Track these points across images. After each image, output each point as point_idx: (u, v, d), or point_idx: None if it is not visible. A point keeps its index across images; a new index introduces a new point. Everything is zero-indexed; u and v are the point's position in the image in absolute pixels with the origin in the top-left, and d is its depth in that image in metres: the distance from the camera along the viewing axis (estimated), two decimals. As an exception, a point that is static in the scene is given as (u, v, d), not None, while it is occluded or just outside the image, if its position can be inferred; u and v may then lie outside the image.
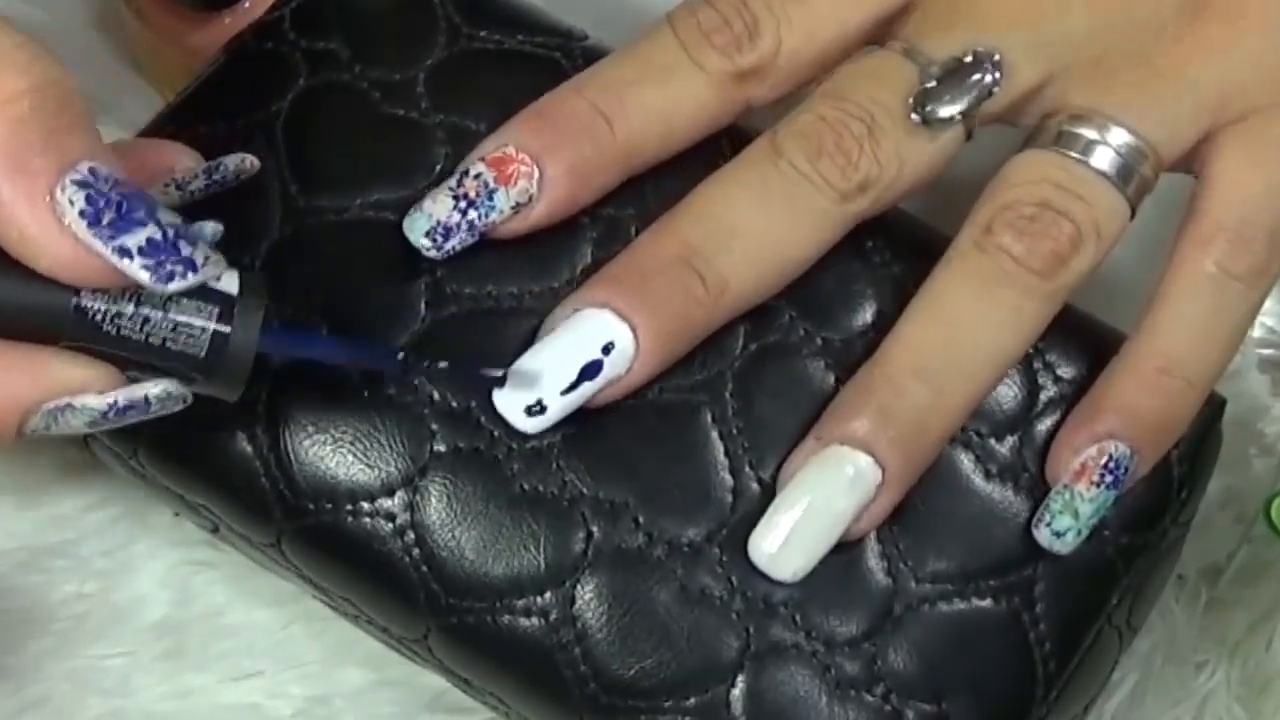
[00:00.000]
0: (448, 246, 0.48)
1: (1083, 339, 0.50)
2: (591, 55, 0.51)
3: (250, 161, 0.47)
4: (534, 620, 0.47)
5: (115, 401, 0.42)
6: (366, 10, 0.51)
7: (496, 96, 0.50)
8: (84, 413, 0.42)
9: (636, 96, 0.48)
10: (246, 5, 0.59)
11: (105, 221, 0.40)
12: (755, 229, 0.47)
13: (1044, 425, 0.49)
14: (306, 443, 0.48)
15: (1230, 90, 0.49)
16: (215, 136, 0.49)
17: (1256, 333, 0.61)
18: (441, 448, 0.48)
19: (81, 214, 0.40)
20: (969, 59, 0.48)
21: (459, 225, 0.47)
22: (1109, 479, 0.47)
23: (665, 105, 0.49)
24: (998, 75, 0.48)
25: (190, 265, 0.41)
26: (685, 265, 0.47)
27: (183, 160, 0.45)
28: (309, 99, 0.50)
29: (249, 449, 0.48)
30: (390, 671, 0.56)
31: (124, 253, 0.40)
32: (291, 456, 0.48)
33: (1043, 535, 0.48)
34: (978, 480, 0.49)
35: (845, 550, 0.48)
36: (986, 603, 0.48)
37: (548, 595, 0.47)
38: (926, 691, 0.47)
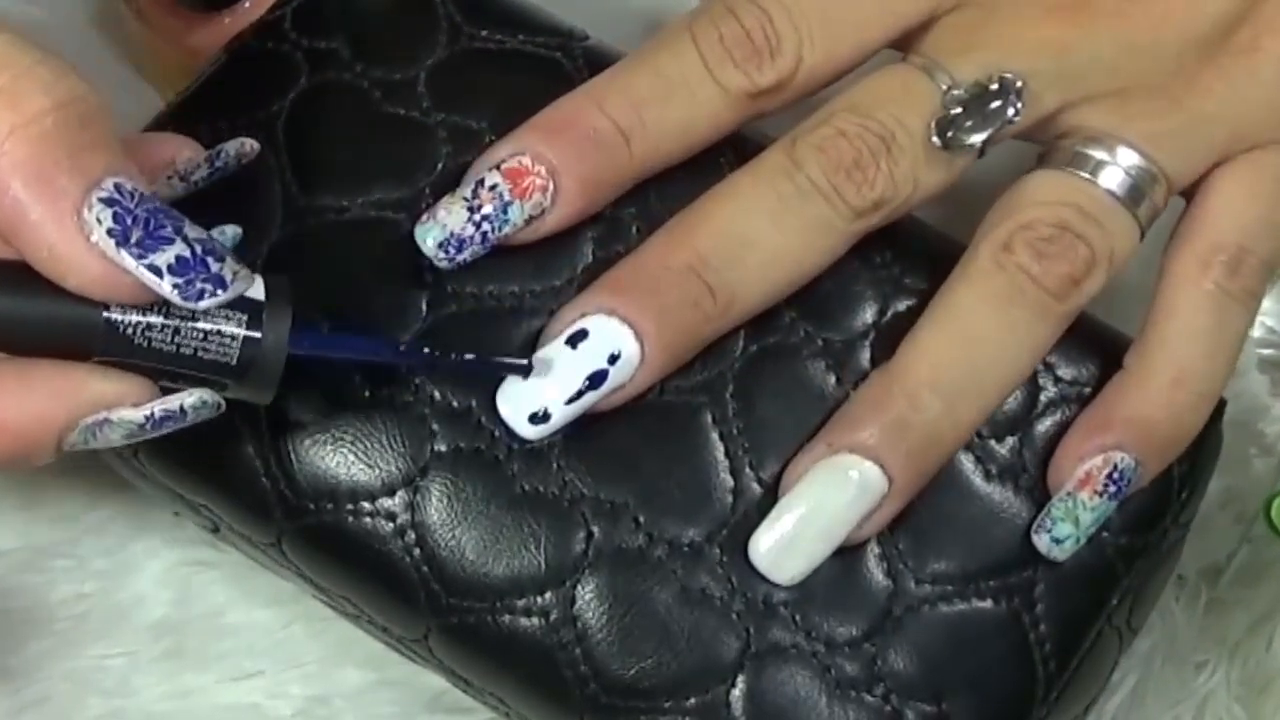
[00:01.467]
0: (460, 258, 0.48)
1: (1083, 341, 0.50)
2: (593, 55, 0.51)
3: (250, 145, 0.47)
4: (534, 620, 0.47)
5: (152, 413, 0.42)
6: (368, 10, 0.51)
7: (498, 96, 0.50)
8: (121, 426, 0.42)
9: (657, 115, 0.48)
10: (247, 5, 0.58)
11: (133, 240, 0.40)
12: (768, 242, 0.47)
13: (1044, 426, 0.49)
14: (307, 442, 0.48)
15: (1243, 125, 0.49)
16: (216, 136, 0.49)
17: (1257, 332, 0.61)
18: (442, 448, 0.48)
19: (110, 232, 0.40)
20: (994, 86, 0.48)
21: (472, 238, 0.47)
22: (1112, 489, 0.48)
23: (684, 123, 0.48)
24: (1020, 105, 0.48)
25: (219, 282, 0.41)
26: (695, 276, 0.47)
27: (184, 151, 0.45)
28: (310, 98, 0.50)
29: (249, 449, 0.48)
30: (390, 671, 0.56)
31: (154, 271, 0.40)
32: (292, 456, 0.48)
33: (1042, 541, 0.48)
34: (978, 481, 0.49)
35: (845, 551, 0.48)
36: (987, 603, 0.48)
37: (548, 595, 0.47)
38: (927, 692, 0.47)
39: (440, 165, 0.50)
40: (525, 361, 0.47)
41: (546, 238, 0.48)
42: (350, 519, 0.48)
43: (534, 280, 0.49)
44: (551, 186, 0.47)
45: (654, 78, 0.48)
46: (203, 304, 0.41)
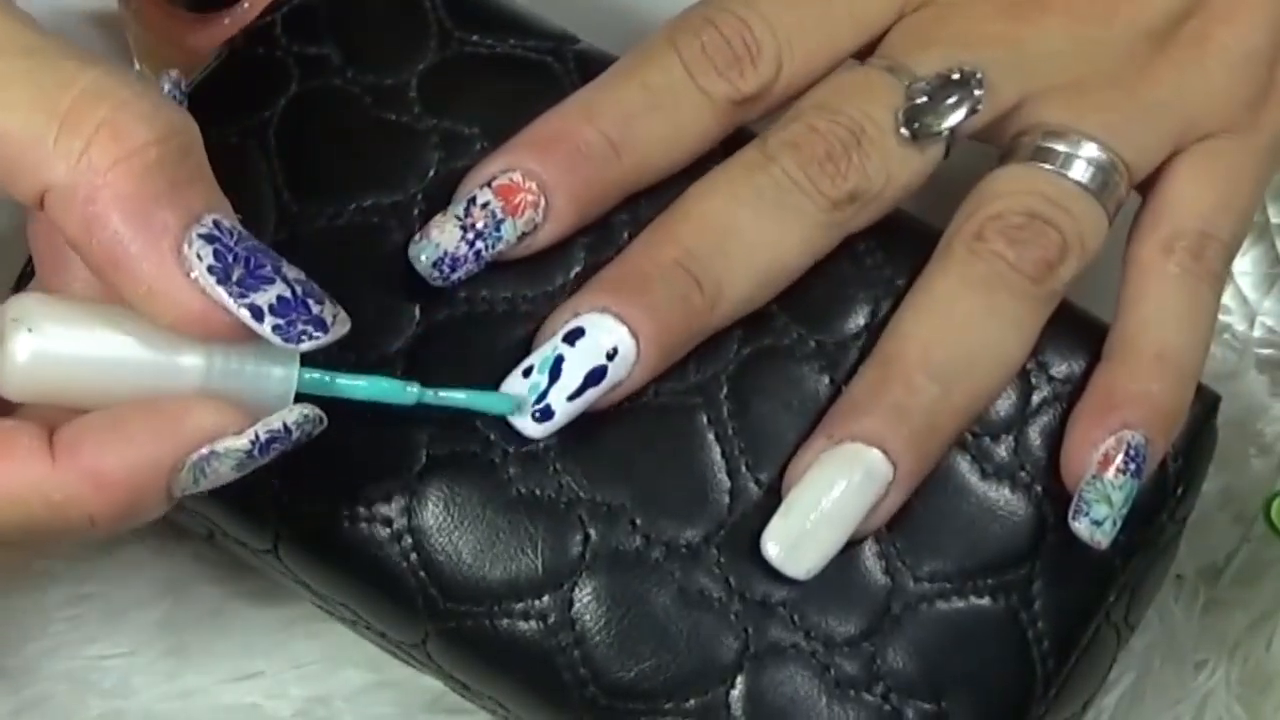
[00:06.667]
0: (454, 277, 0.48)
1: (1075, 337, 0.50)
2: (584, 59, 0.51)
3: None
4: (532, 623, 0.47)
5: (257, 437, 0.41)
6: (358, 15, 0.51)
7: (489, 101, 0.50)
8: (229, 457, 0.41)
9: (645, 127, 0.48)
10: (245, 6, 0.58)
11: (234, 278, 0.39)
12: (749, 233, 0.48)
13: (1039, 424, 0.49)
14: (302, 449, 0.47)
15: (1195, 113, 0.50)
16: (208, 143, 0.49)
17: (1256, 333, 0.61)
18: (437, 452, 0.48)
19: (210, 270, 0.39)
20: (955, 76, 0.49)
21: (465, 256, 0.47)
22: (1132, 467, 0.48)
23: (672, 133, 0.49)
24: (982, 93, 0.49)
25: (320, 325, 0.40)
26: (682, 270, 0.47)
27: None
28: (301, 104, 0.50)
29: None
30: (390, 672, 0.56)
31: (255, 311, 0.40)
32: (288, 462, 0.47)
33: (1083, 527, 0.47)
34: (974, 479, 0.49)
35: (843, 550, 0.47)
36: (984, 601, 0.48)
37: (546, 598, 0.47)
38: (926, 690, 0.47)
39: (432, 171, 0.49)
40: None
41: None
42: (346, 524, 0.48)
43: (527, 285, 0.49)
44: (543, 202, 0.47)
45: (641, 89, 0.48)
46: (304, 346, 0.40)
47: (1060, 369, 0.49)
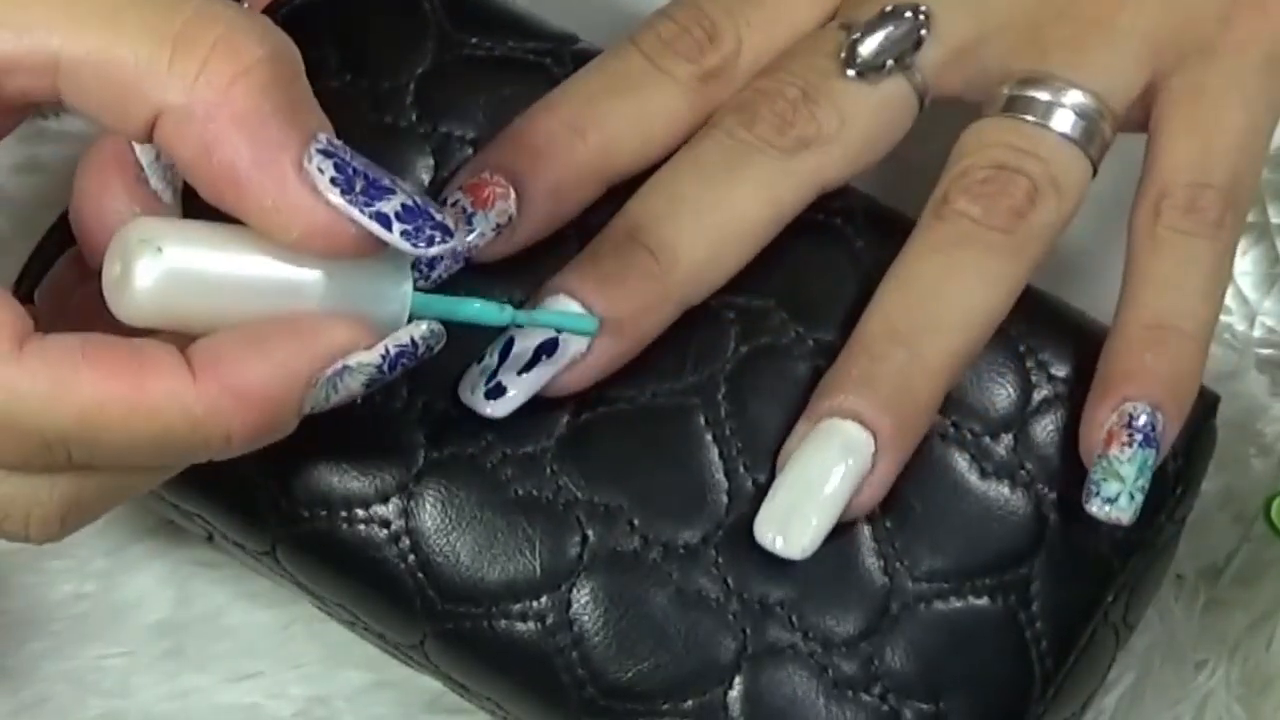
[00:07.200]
0: (434, 275, 0.48)
1: (1076, 338, 0.50)
2: (582, 59, 0.51)
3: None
4: (530, 625, 0.47)
5: (387, 351, 0.41)
6: (358, 16, 0.51)
7: (486, 105, 0.50)
8: (361, 371, 0.41)
9: (607, 107, 0.49)
10: (245, 6, 0.58)
11: (358, 189, 0.39)
12: (699, 196, 0.48)
13: (1039, 424, 0.49)
14: (300, 451, 0.47)
15: (1163, 34, 0.50)
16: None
17: (1256, 333, 0.61)
18: (435, 454, 0.48)
19: (333, 182, 0.39)
20: (889, 9, 0.50)
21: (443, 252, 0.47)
22: (1139, 437, 0.47)
23: (637, 113, 0.49)
24: (923, 19, 0.49)
25: (445, 229, 0.40)
26: (631, 240, 0.47)
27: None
28: None
29: (243, 457, 0.48)
30: (390, 672, 0.56)
31: (382, 219, 0.39)
32: (286, 464, 0.48)
33: (1096, 508, 0.47)
34: (973, 479, 0.49)
35: (842, 549, 0.48)
36: (983, 601, 0.48)
37: (544, 599, 0.47)
38: (924, 690, 0.47)
39: (429, 175, 0.50)
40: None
41: (530, 251, 0.48)
42: (344, 526, 0.48)
43: (520, 293, 0.49)
44: (513, 194, 0.48)
45: (602, 77, 0.50)
46: (433, 250, 0.40)
47: (1060, 369, 0.49)
